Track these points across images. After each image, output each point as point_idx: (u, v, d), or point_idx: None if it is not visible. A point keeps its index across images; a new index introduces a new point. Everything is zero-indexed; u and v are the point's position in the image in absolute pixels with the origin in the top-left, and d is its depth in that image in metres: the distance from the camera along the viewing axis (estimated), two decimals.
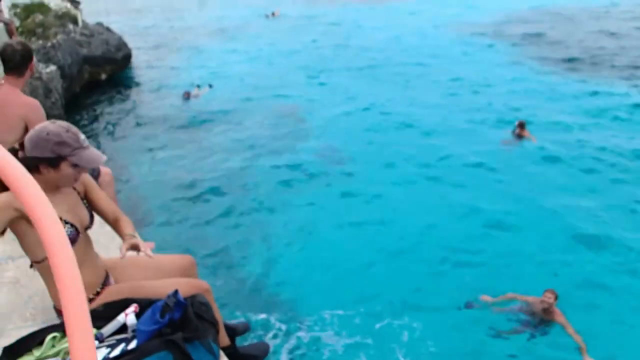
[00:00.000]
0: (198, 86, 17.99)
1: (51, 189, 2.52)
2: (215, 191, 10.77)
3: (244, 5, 42.58)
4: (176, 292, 2.45)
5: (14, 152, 2.42)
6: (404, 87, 17.73)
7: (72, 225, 2.56)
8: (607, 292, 7.59)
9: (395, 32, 28.52)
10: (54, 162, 2.41)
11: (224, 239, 8.89)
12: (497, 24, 29.30)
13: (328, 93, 17.23)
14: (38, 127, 2.42)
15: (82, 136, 2.50)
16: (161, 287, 2.73)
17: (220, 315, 3.07)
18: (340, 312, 7.07)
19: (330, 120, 14.68)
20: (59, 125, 2.43)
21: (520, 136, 12.86)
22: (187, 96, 17.23)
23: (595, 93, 16.46)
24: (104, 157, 2.56)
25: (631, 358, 6.52)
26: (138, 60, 23.16)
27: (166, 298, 2.43)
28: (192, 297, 2.65)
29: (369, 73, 20.06)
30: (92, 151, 2.50)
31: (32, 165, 2.39)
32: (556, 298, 6.77)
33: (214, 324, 2.59)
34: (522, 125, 12.92)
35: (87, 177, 2.85)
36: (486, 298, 7.26)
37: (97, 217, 2.87)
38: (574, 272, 8.00)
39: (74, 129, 2.50)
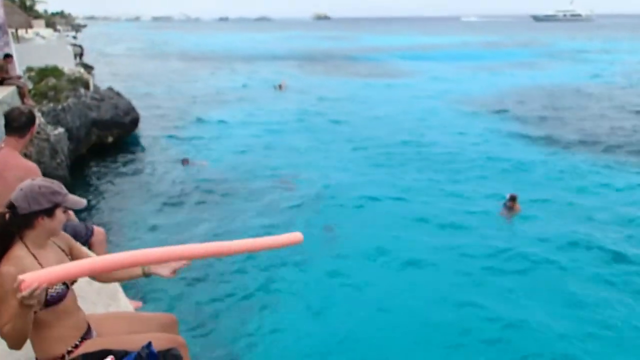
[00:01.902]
0: (201, 161, 18.38)
1: (41, 244, 2.78)
2: (209, 260, 10.92)
3: (255, 76, 44.24)
4: (149, 344, 2.64)
5: (2, 215, 2.66)
6: (401, 163, 18.12)
7: (63, 282, 2.79)
8: None
9: (392, 105, 29.63)
10: (51, 211, 2.70)
11: (214, 307, 8.98)
12: (491, 101, 30.35)
13: (328, 169, 17.59)
14: (25, 186, 2.70)
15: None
16: (137, 340, 2.91)
17: None
18: None
19: (328, 197, 14.90)
20: (42, 180, 2.77)
21: (511, 209, 13.14)
22: (185, 163, 17.59)
23: (588, 171, 16.92)
24: (84, 202, 2.87)
25: None
26: (145, 124, 23.93)
27: (139, 349, 2.61)
28: (166, 350, 2.82)
29: (368, 148, 20.53)
30: (73, 196, 2.83)
31: (32, 220, 2.66)
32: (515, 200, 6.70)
33: None
34: (513, 199, 13.23)
35: (68, 237, 3.12)
36: None
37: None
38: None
39: (52, 180, 2.83)
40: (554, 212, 13.36)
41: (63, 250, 3.01)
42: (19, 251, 2.66)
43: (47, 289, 2.58)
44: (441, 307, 9.10)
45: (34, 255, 2.71)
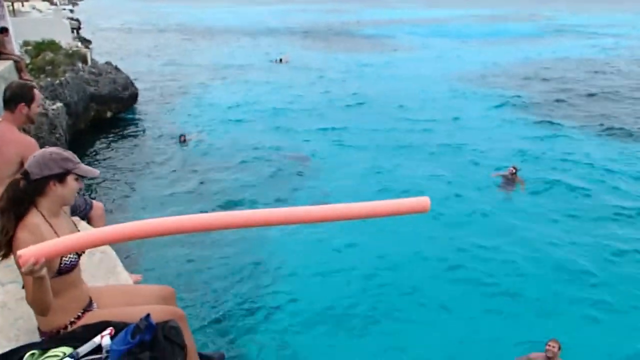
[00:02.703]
0: (199, 132, 18.32)
1: (55, 212, 2.80)
2: (209, 234, 10.99)
3: (256, 50, 43.76)
4: (148, 315, 2.67)
5: (16, 182, 2.69)
6: (401, 138, 18.12)
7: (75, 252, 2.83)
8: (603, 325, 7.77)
9: (394, 80, 29.39)
10: (62, 177, 2.73)
11: (213, 280, 9.08)
12: (494, 77, 30.08)
13: (330, 142, 17.60)
14: (37, 153, 2.74)
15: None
16: (137, 312, 2.94)
17: (193, 342, 3.27)
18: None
19: (329, 170, 14.96)
20: (55, 148, 2.78)
21: (513, 181, 13.24)
22: (183, 140, 17.53)
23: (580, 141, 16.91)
24: (97, 171, 2.88)
25: None
26: (144, 99, 23.78)
27: (138, 321, 2.64)
28: (165, 322, 2.86)
29: (369, 122, 20.50)
30: (86, 166, 2.84)
31: (44, 185, 2.68)
32: (560, 348, 6.82)
33: (182, 347, 2.79)
34: (514, 171, 13.32)
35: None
36: None
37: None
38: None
39: (65, 149, 2.83)
40: (553, 188, 13.41)
41: (73, 222, 3.05)
42: (35, 218, 2.69)
43: (61, 257, 2.63)
44: (437, 278, 9.25)
45: (49, 224, 2.74)
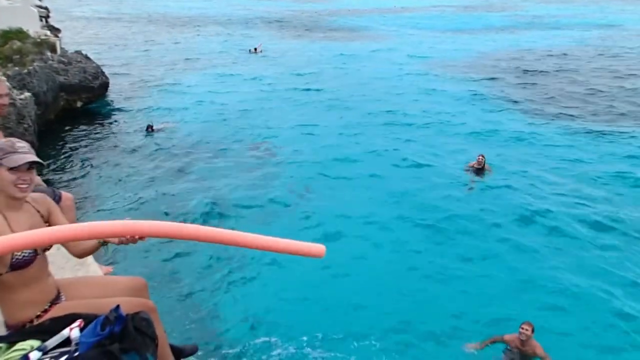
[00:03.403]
0: (168, 122, 18.02)
1: (12, 205, 2.74)
2: (180, 221, 10.91)
3: (229, 40, 43.27)
4: (117, 307, 2.64)
5: None
6: (374, 124, 18.26)
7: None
8: (570, 314, 8.01)
9: (369, 70, 29.46)
10: None
11: (187, 270, 9.03)
12: (466, 66, 30.38)
13: (300, 131, 17.59)
14: None
15: (22, 144, 2.72)
16: (106, 304, 2.91)
17: (164, 334, 3.25)
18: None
19: (300, 157, 14.98)
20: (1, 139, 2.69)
21: (481, 169, 13.43)
22: (150, 129, 17.20)
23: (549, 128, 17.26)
24: (29, 158, 2.73)
25: None
26: (115, 89, 23.35)
27: (108, 313, 2.62)
28: (135, 313, 2.83)
29: (339, 110, 20.60)
30: (25, 155, 2.71)
31: None
32: (533, 330, 6.99)
33: (153, 339, 2.77)
34: (482, 160, 13.50)
35: (51, 203, 3.06)
36: (470, 346, 7.36)
37: None
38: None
39: (15, 140, 2.73)
40: (522, 174, 13.67)
41: (42, 216, 2.97)
42: None
43: (12, 253, 2.56)
44: (413, 264, 9.39)
45: (4, 217, 2.68)
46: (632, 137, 16.51)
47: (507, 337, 7.24)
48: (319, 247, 2.75)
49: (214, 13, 70.57)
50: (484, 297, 8.53)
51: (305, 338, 7.35)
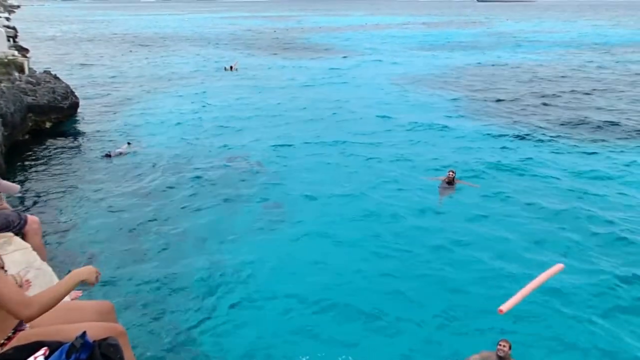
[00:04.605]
0: (128, 143, 17.71)
1: None
2: (152, 241, 10.76)
3: (202, 58, 43.23)
4: (84, 333, 2.57)
5: None
6: (348, 140, 18.36)
7: None
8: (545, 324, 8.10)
9: (343, 86, 29.80)
10: None
11: (159, 292, 8.86)
12: (432, 81, 30.95)
13: (276, 147, 17.58)
14: None
15: None
16: (72, 330, 2.83)
17: (134, 359, 3.17)
18: None
19: (275, 174, 14.98)
20: None
21: (451, 183, 13.62)
22: (108, 156, 16.59)
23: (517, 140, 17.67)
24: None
25: None
26: (85, 109, 23.04)
27: (74, 339, 2.54)
28: (103, 339, 2.75)
29: (314, 126, 20.72)
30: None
31: None
32: (510, 347, 7.02)
33: None
34: (452, 175, 13.70)
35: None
36: None
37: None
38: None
39: None
40: (490, 187, 13.91)
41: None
42: None
43: None
44: (384, 280, 9.43)
45: None
46: (609, 150, 16.87)
47: (484, 353, 7.23)
48: (559, 266, 4.56)
49: (187, 32, 70.57)
50: (455, 309, 8.54)
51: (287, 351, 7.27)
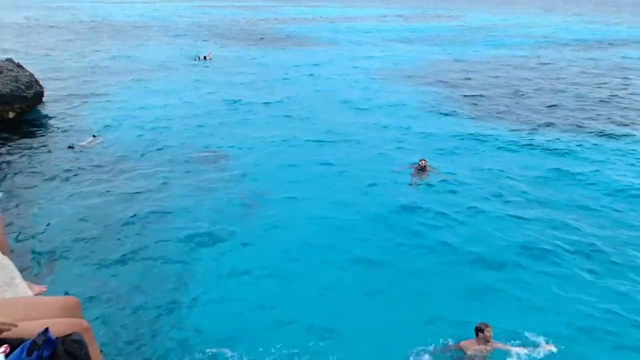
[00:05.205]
0: (94, 136, 17.33)
1: None
2: (118, 235, 10.58)
3: (173, 48, 42.46)
4: (46, 330, 2.49)
5: None
6: (324, 132, 18.35)
7: None
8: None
9: (314, 74, 29.74)
10: None
11: (127, 286, 8.73)
12: (406, 73, 31.14)
13: (250, 140, 17.44)
14: None
15: None
16: (34, 326, 2.74)
17: (100, 355, 3.10)
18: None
19: (249, 166, 14.86)
20: None
21: (423, 171, 13.85)
22: (71, 148, 16.21)
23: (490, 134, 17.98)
24: None
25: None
26: (51, 99, 22.41)
27: (35, 336, 2.46)
28: (66, 336, 2.68)
29: (288, 114, 20.67)
30: None
31: None
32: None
33: None
34: (424, 163, 13.93)
35: None
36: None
37: None
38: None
39: None
40: (462, 177, 14.15)
41: None
42: None
43: None
44: (351, 263, 9.54)
45: None
46: (574, 143, 17.26)
47: (463, 343, 7.31)
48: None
49: (158, 22, 69.15)
50: (428, 299, 8.69)
51: (260, 349, 7.24)
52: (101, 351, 3.37)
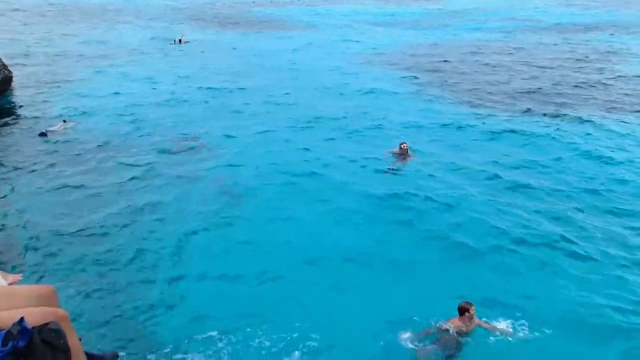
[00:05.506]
0: (64, 121, 16.90)
1: None
2: (93, 223, 10.40)
3: (147, 32, 41.49)
4: (21, 319, 2.41)
5: None
6: (302, 118, 18.19)
7: None
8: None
9: (293, 59, 29.43)
10: None
11: (105, 273, 8.61)
12: (385, 58, 31.07)
13: (227, 127, 17.20)
14: None
15: None
16: (9, 316, 2.66)
17: (79, 343, 3.02)
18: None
19: (227, 154, 14.68)
20: None
21: (403, 155, 13.90)
22: (44, 135, 15.82)
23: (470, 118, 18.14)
24: None
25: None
26: (20, 84, 21.77)
27: (10, 326, 2.38)
28: (43, 325, 2.60)
29: (267, 100, 20.47)
30: None
31: None
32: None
33: (65, 351, 2.56)
34: (404, 146, 13.97)
35: None
36: (405, 337, 7.32)
37: None
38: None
39: None
40: (443, 161, 14.24)
41: None
42: None
43: None
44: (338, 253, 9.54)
45: None
46: (553, 127, 17.42)
47: (448, 323, 7.36)
48: None
49: (131, 4, 67.38)
50: (409, 284, 8.74)
51: (249, 329, 7.20)
52: (80, 339, 3.29)
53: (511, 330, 7.45)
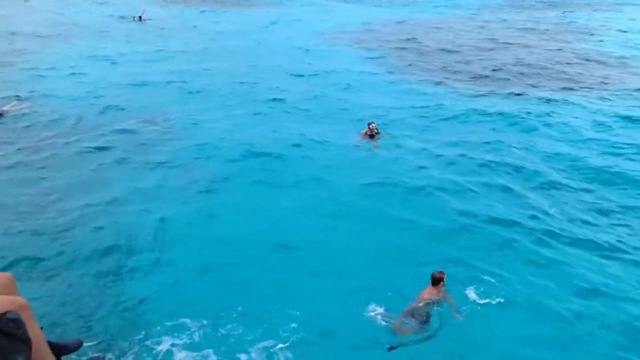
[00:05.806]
0: (18, 98, 16.18)
1: None
2: (52, 207, 10.05)
3: (106, 8, 40.02)
4: None
5: None
6: (270, 100, 17.83)
7: None
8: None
9: (258, 38, 28.94)
10: None
11: (69, 258, 8.34)
12: (353, 35, 30.89)
13: (192, 106, 16.81)
14: None
15: None
16: None
17: (40, 332, 2.87)
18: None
19: (195, 139, 14.27)
20: None
21: (371, 135, 13.86)
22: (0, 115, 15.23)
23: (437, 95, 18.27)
24: None
25: None
26: None
27: None
28: (1, 315, 2.44)
29: (232, 81, 20.08)
30: None
31: None
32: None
33: (25, 341, 2.42)
34: (372, 126, 13.93)
35: None
36: (396, 324, 7.32)
37: None
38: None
39: None
40: (409, 139, 14.31)
41: None
42: None
43: None
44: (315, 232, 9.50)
45: None
46: (518, 105, 17.61)
47: (420, 302, 7.41)
48: None
49: None
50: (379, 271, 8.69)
51: (226, 317, 7.10)
52: (42, 328, 3.13)
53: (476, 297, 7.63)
